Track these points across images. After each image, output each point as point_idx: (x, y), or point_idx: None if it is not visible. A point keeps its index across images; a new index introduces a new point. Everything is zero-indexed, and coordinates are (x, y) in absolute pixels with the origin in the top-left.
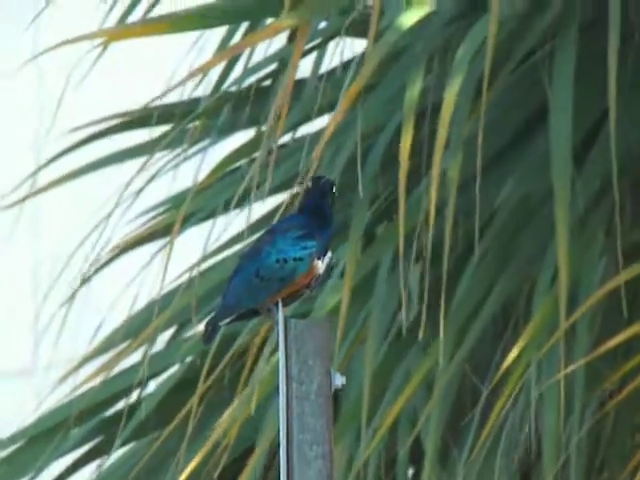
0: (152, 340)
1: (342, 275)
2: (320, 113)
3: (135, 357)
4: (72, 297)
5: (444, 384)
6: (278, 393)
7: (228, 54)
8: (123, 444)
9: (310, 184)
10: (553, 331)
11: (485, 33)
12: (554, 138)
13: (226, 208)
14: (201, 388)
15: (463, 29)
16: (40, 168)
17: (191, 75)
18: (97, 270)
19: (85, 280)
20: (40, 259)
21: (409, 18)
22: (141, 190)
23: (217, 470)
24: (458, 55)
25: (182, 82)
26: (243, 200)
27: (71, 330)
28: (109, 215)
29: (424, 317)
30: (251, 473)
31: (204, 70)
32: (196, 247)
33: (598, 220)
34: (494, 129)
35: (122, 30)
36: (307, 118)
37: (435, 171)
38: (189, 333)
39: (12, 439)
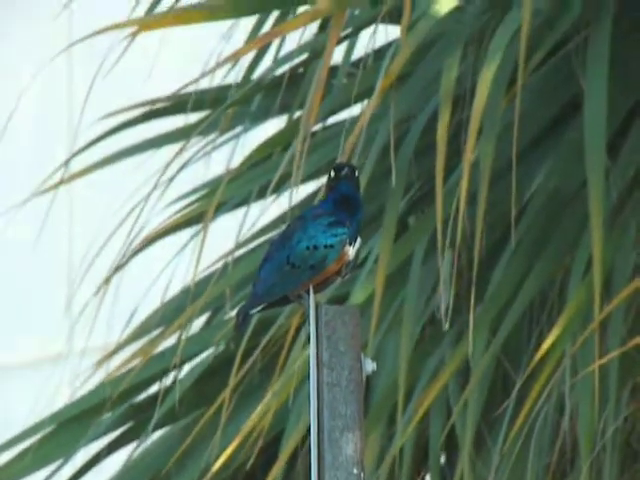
0: (185, 327)
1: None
2: (352, 101)
3: (167, 342)
4: (106, 283)
5: (480, 373)
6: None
7: (260, 42)
8: (154, 429)
9: (333, 172)
10: (587, 320)
11: (520, 21)
12: (588, 127)
13: (260, 196)
14: (234, 377)
15: (498, 17)
16: (74, 155)
17: (223, 63)
18: (130, 257)
19: (119, 267)
20: (75, 246)
21: (444, 5)
22: (174, 177)
23: (251, 457)
24: (492, 43)
25: (214, 69)
26: (277, 188)
27: (105, 317)
28: (142, 202)
29: (451, 305)
30: (284, 460)
31: (236, 58)
32: (230, 235)
33: (631, 209)
34: (527, 118)
35: (153, 19)
36: (339, 106)
37: (467, 159)
38: (222, 319)
39: (43, 424)
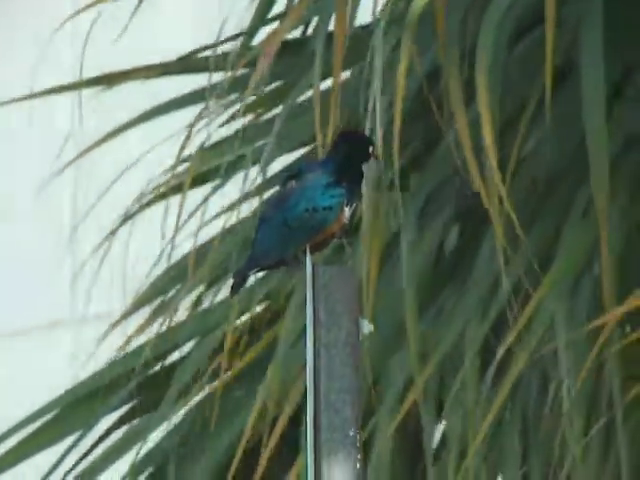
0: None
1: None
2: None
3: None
4: (101, 249)
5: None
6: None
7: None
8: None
9: (348, 135)
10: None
11: None
12: (585, 91)
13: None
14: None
15: None
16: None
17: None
18: (127, 219)
19: (113, 232)
20: (77, 209)
21: None
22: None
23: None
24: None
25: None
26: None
27: (107, 281)
28: (140, 161)
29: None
30: (283, 424)
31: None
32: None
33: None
34: (520, 86)
35: None
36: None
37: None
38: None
39: (59, 400)
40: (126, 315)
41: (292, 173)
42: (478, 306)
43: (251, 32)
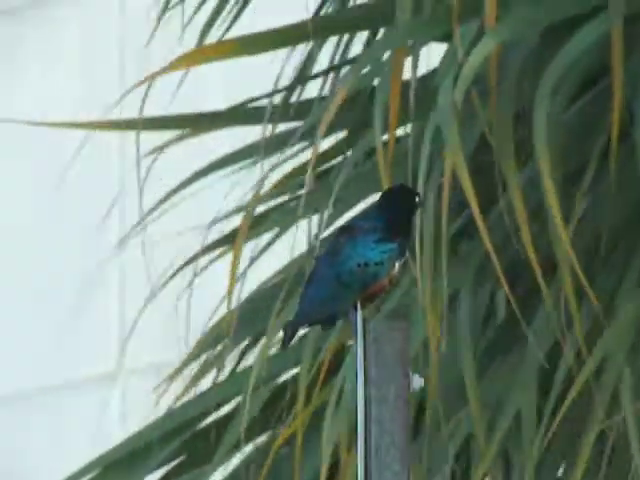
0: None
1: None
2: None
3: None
4: (152, 299)
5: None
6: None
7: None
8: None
9: (396, 190)
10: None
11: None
12: None
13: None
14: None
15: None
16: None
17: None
18: (177, 271)
19: (164, 284)
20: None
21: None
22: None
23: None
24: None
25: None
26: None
27: (158, 333)
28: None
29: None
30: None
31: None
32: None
33: None
34: (578, 144)
35: (197, 54)
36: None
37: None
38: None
39: (99, 461)
40: (182, 368)
41: (342, 228)
42: (537, 374)
43: (292, 87)
